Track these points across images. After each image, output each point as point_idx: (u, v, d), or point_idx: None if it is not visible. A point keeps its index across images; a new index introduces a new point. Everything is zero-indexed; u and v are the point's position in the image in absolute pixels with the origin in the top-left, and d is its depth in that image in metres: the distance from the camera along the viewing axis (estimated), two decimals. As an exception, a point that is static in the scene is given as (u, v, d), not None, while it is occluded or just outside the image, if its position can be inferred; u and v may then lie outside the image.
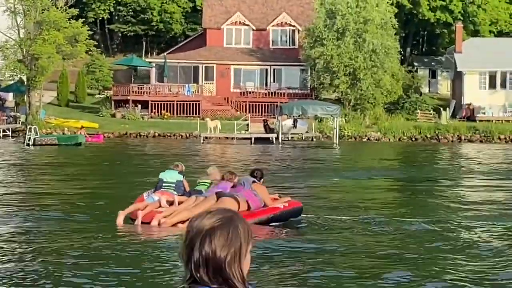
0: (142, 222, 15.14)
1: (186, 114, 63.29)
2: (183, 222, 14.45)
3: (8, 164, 32.31)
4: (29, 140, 45.63)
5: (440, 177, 28.93)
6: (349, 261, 12.01)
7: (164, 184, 16.08)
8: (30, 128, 46.51)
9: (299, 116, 54.11)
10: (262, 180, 15.88)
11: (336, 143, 51.67)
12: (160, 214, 15.05)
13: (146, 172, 26.92)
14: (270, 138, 53.30)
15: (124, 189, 22.00)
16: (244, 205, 14.98)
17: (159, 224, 14.87)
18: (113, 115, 62.32)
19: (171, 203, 15.73)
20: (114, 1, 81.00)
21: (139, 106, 62.76)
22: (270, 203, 15.50)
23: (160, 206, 15.57)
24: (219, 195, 15.08)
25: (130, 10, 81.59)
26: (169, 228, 14.67)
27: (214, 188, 15.70)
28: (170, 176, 16.23)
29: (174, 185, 16.03)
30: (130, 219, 15.42)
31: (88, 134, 51.46)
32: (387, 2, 64.88)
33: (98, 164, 34.92)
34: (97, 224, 15.55)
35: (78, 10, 62.24)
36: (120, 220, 15.25)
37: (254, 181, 15.47)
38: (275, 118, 56.59)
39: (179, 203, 15.68)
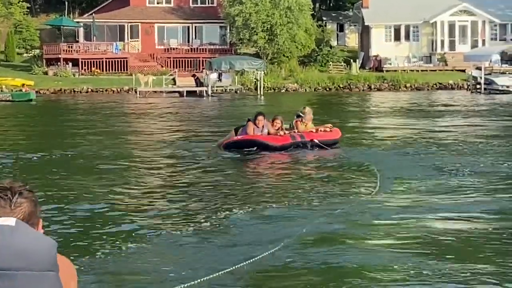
0: None
1: (115, 70, 67.00)
2: None
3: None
4: (-16, 98, 48.18)
5: (361, 119, 33.98)
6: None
7: None
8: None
9: (223, 70, 58.48)
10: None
11: (260, 94, 56.54)
12: None
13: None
14: (198, 92, 57.54)
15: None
16: None
17: None
18: (46, 73, 65.56)
19: None
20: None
21: (70, 64, 66.10)
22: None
23: None
24: None
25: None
26: None
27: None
28: None
29: None
30: None
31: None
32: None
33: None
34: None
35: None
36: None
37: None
38: (201, 72, 60.89)
39: None
